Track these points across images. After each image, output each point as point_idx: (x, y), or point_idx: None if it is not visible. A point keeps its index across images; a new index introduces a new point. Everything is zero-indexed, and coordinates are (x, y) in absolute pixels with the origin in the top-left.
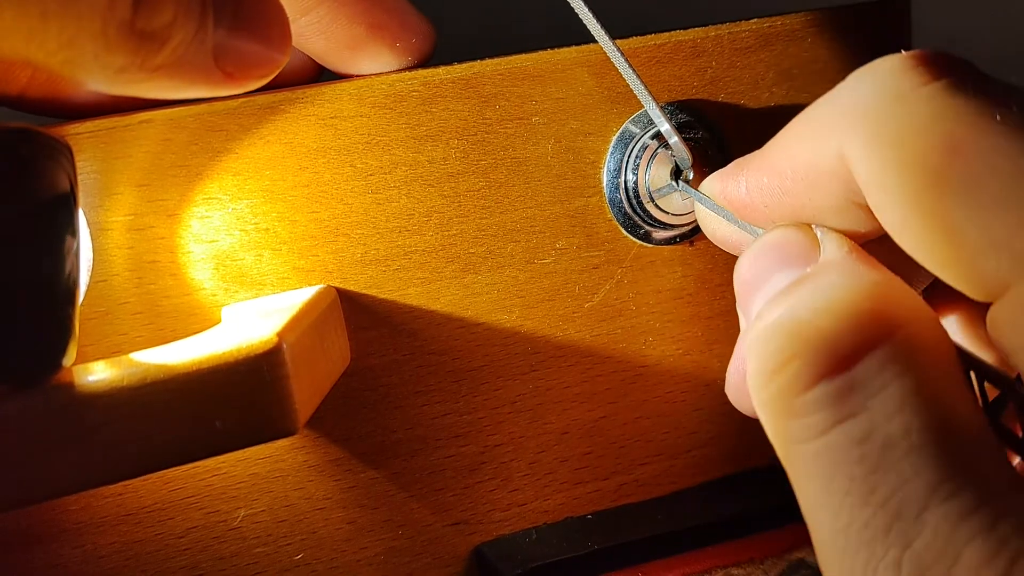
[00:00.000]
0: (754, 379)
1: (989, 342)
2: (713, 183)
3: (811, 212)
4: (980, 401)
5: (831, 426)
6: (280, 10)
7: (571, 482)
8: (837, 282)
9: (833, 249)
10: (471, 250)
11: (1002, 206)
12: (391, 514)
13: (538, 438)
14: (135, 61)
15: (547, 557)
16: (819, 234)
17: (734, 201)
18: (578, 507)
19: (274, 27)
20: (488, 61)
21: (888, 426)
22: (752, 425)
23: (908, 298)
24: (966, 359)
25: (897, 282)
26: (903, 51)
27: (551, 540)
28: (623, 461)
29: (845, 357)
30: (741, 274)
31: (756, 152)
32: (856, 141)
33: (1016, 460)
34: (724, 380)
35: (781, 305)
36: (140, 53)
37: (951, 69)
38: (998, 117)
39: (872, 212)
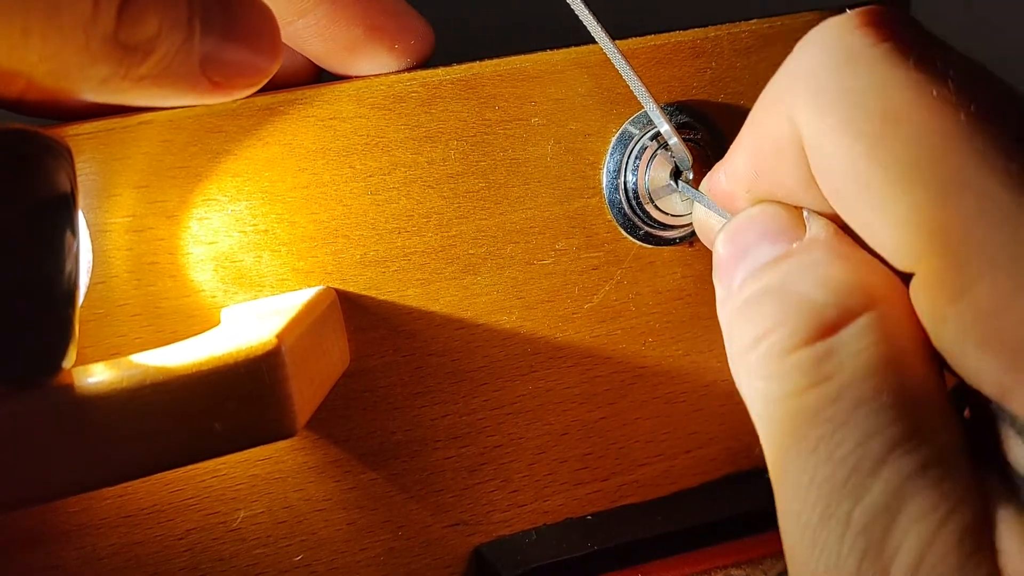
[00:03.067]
0: (738, 342)
1: None
2: (704, 181)
3: (784, 191)
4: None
5: (808, 388)
6: (270, 18)
7: (571, 483)
8: (824, 258)
9: (819, 228)
10: (470, 251)
11: (925, 181)
12: (391, 515)
13: (538, 439)
14: (118, 72)
15: (547, 558)
16: (806, 215)
17: (716, 193)
18: (578, 508)
19: (264, 36)
20: (487, 62)
21: (861, 387)
22: (752, 426)
23: (886, 277)
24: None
25: (876, 262)
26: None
27: (551, 541)
28: (623, 462)
29: (829, 325)
30: (722, 243)
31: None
32: (802, 104)
33: None
34: (724, 380)
35: (768, 275)
36: (124, 64)
37: (895, 31)
38: (934, 92)
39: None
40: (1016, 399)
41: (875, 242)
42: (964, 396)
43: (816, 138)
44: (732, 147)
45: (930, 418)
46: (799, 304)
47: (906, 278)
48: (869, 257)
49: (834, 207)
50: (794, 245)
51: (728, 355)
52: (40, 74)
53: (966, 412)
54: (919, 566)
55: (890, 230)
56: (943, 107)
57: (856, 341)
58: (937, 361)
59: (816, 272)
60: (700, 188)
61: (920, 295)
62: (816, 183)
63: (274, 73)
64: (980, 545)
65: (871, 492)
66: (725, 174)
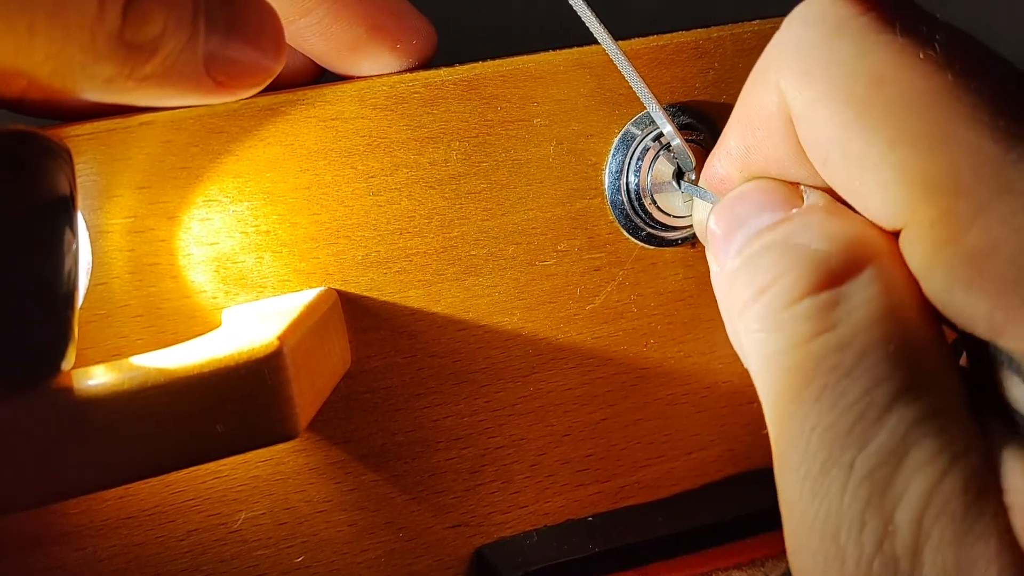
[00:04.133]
0: (738, 299)
1: None
2: (702, 172)
3: (776, 165)
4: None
5: (813, 336)
6: (274, 18)
7: (572, 484)
8: (825, 217)
9: (817, 196)
10: (472, 252)
11: (913, 138)
12: (392, 516)
13: (539, 440)
14: (123, 71)
15: (548, 559)
16: (803, 188)
17: (712, 178)
18: (579, 509)
19: (267, 35)
20: (489, 62)
21: (868, 334)
22: (754, 427)
23: (882, 235)
24: None
25: (871, 224)
26: None
27: (552, 542)
28: (624, 463)
29: (835, 275)
30: (716, 218)
31: None
32: (789, 75)
33: None
34: (726, 382)
35: (768, 235)
36: (128, 63)
37: (880, 2)
38: (921, 55)
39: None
40: (1009, 336)
41: (865, 206)
42: (962, 345)
43: (803, 108)
44: (724, 130)
45: (932, 368)
46: (803, 254)
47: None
48: (865, 219)
49: (823, 176)
50: (793, 211)
51: (725, 317)
52: (45, 73)
53: (963, 359)
54: (924, 511)
55: (879, 190)
56: (929, 68)
57: (863, 290)
58: (933, 314)
59: (819, 228)
60: (702, 176)
61: (910, 247)
62: (805, 155)
63: (278, 73)
64: (985, 488)
65: (876, 440)
66: (719, 160)
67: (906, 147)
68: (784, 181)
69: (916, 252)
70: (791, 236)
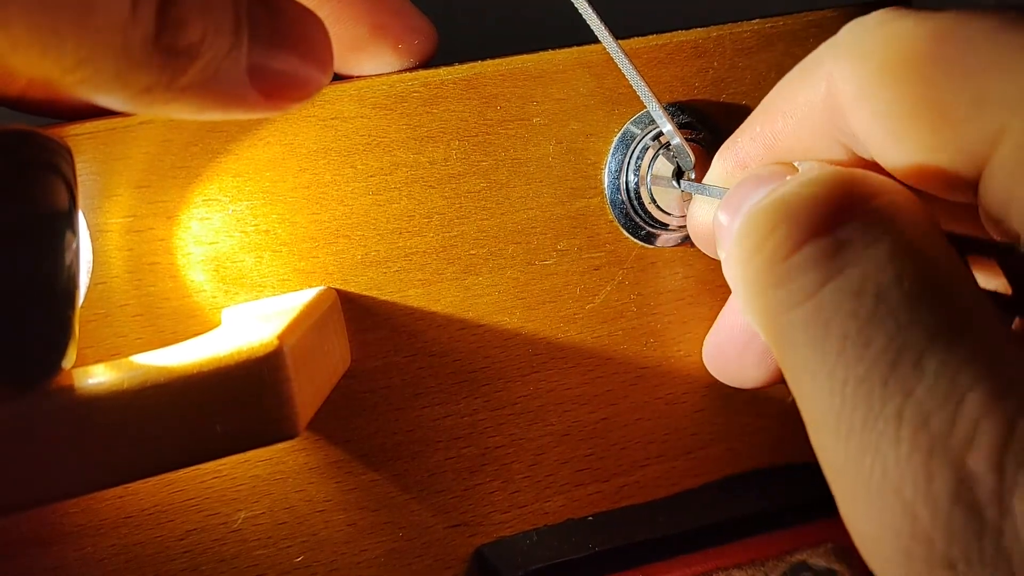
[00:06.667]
0: (738, 259)
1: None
2: (714, 164)
3: (804, 155)
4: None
5: (821, 285)
6: (321, 26)
7: (572, 484)
8: (818, 171)
9: (810, 164)
10: (472, 252)
11: (987, 69)
12: (392, 516)
13: (539, 440)
14: (161, 80)
15: (548, 559)
16: (796, 163)
17: (736, 160)
18: (579, 509)
19: (316, 44)
20: (489, 62)
21: (880, 276)
22: (753, 427)
23: (884, 179)
24: (951, 236)
25: (872, 172)
26: None
27: (552, 542)
28: (624, 463)
29: (830, 217)
30: (722, 210)
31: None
32: (844, 62)
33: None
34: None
35: (765, 199)
36: (167, 71)
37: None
38: (978, 11)
39: (855, 152)
40: None
41: (940, 155)
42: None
43: (863, 87)
44: (750, 117)
45: (966, 305)
46: (793, 202)
47: (972, 184)
48: (860, 168)
49: (883, 154)
50: (787, 178)
51: (738, 298)
52: (76, 81)
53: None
54: (1004, 456)
55: (960, 126)
56: (988, 15)
57: (865, 232)
58: (957, 254)
59: (811, 178)
60: (712, 173)
61: (1003, 168)
62: (844, 140)
63: (326, 85)
64: None
65: (921, 385)
66: (742, 143)
67: (984, 76)
68: (779, 162)
69: (1012, 169)
70: (782, 194)
